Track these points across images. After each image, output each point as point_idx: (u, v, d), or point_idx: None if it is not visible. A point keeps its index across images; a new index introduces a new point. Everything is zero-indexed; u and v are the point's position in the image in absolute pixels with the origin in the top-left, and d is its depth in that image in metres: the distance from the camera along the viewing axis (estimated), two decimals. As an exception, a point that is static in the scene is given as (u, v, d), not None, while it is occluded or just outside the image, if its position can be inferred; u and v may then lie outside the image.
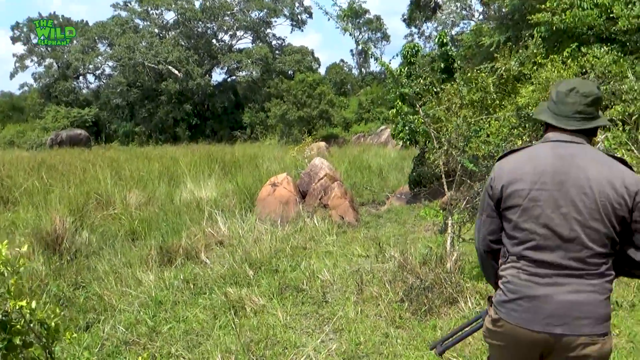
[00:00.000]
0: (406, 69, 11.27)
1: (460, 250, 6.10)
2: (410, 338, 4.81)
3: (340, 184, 11.53)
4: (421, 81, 11.36)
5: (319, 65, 51.61)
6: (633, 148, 6.49)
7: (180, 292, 6.45)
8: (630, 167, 2.34)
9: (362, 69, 57.10)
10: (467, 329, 2.85)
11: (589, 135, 2.44)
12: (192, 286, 6.66)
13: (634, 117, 5.88)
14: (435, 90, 11.02)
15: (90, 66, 49.79)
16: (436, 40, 11.63)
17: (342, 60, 74.82)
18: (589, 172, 2.28)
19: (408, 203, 12.96)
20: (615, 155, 2.44)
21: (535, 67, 9.15)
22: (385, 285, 5.83)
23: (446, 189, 6.13)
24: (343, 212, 10.75)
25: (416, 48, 11.40)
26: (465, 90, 9.35)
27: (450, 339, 2.92)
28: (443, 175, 6.10)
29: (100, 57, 48.72)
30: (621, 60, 7.97)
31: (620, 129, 7.19)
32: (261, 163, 18.89)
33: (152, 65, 44.67)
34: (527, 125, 8.49)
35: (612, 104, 7.90)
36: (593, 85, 2.48)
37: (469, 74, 9.63)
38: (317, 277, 6.70)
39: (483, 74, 9.44)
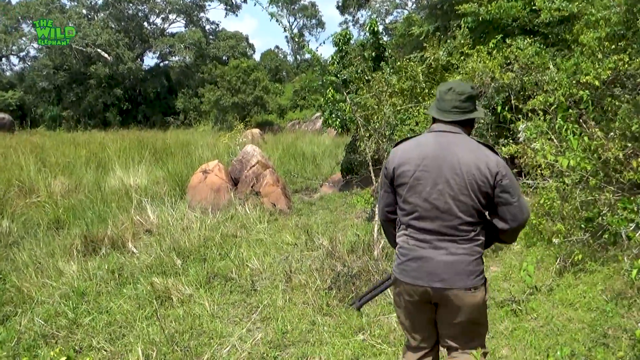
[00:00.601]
0: (338, 56, 11.26)
1: (387, 237, 6.19)
2: (337, 325, 4.86)
3: (273, 171, 11.49)
4: (352, 69, 11.50)
5: (254, 51, 51.13)
6: (553, 137, 6.73)
7: (105, 283, 6.31)
8: (496, 152, 2.84)
9: (297, 56, 56.90)
10: (379, 287, 3.34)
11: (465, 125, 2.93)
12: (117, 276, 6.52)
13: (553, 107, 6.08)
14: (366, 78, 11.14)
15: (14, 47, 47.62)
16: (367, 28, 11.69)
17: (277, 47, 74.38)
18: (460, 157, 2.77)
19: (340, 190, 13.04)
20: (485, 143, 2.93)
21: (462, 57, 9.34)
22: (313, 273, 5.85)
23: (373, 177, 6.19)
24: (275, 199, 10.73)
25: (348, 36, 11.41)
26: (395, 78, 9.49)
27: (365, 297, 3.43)
28: (370, 164, 6.15)
29: (24, 39, 46.63)
30: (543, 52, 8.23)
31: (542, 118, 7.44)
32: (194, 150, 18.59)
33: (80, 48, 43.07)
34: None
35: (535, 94, 8.16)
36: (467, 85, 2.98)
37: (398, 63, 9.76)
38: (247, 265, 6.68)
39: (412, 63, 9.58)
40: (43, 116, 44.48)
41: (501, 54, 8.62)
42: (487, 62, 8.40)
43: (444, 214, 2.78)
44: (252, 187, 11.27)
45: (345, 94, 6.67)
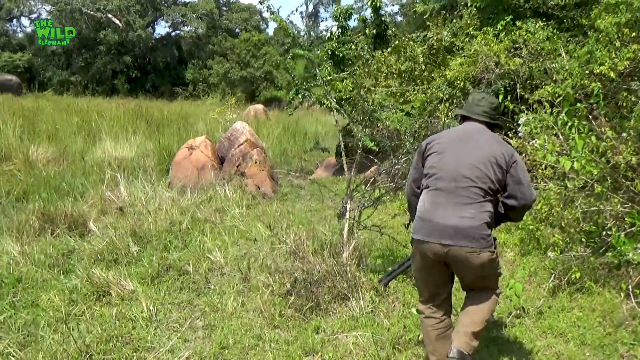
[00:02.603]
0: (337, 32, 10.49)
1: (359, 238, 5.47)
2: (286, 343, 4.16)
3: (261, 151, 10.77)
4: (351, 46, 10.71)
5: (267, 25, 50.10)
6: (559, 133, 5.96)
7: (46, 270, 5.65)
8: (511, 145, 3.43)
9: (311, 32, 55.76)
10: (405, 263, 4.24)
11: (491, 128, 3.53)
12: (62, 263, 5.86)
13: (559, 99, 5.30)
14: (366, 57, 10.35)
15: (25, 9, 46.93)
16: (369, 3, 10.86)
17: (291, 23, 72.93)
18: (484, 139, 3.36)
19: (334, 175, 12.33)
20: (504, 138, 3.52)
21: (467, 39, 8.54)
22: (273, 274, 5.16)
23: (345, 167, 5.47)
24: (260, 181, 10.04)
25: (350, 11, 10.61)
26: (393, 59, 8.71)
27: (393, 273, 4.49)
28: (343, 152, 5.44)
29: (33, 0, 45.91)
30: (556, 37, 7.41)
31: (548, 111, 6.67)
32: (193, 123, 17.93)
33: (91, 13, 42.36)
34: (454, 101, 7.91)
35: (543, 83, 7.37)
36: (496, 99, 3.73)
37: (397, 42, 8.98)
38: (207, 257, 6.01)
39: (412, 42, 8.79)
40: (51, 80, 43.87)
41: (509, 37, 7.82)
42: (492, 45, 7.60)
43: (461, 177, 3.23)
44: (237, 166, 10.58)
45: (319, 71, 5.91)
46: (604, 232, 4.57)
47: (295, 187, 11.02)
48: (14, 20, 49.27)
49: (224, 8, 48.66)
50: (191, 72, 43.03)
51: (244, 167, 10.46)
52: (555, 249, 4.99)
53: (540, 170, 6.24)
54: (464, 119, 3.61)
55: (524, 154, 5.89)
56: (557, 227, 5.48)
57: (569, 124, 4.36)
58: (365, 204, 5.38)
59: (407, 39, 9.09)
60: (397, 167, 5.35)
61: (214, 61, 37.89)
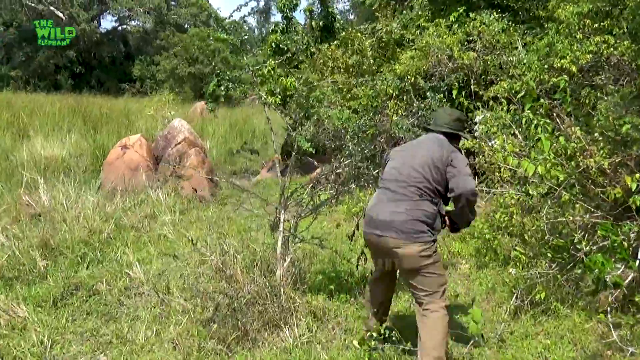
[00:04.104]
0: (282, 24, 9.80)
1: (296, 253, 4.80)
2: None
3: (199, 150, 10.00)
4: (297, 38, 10.03)
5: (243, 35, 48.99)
6: (517, 132, 5.42)
7: None
8: (459, 150, 3.70)
9: (263, 29, 54.89)
10: None
11: (453, 138, 3.76)
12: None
13: (519, 96, 4.73)
14: (311, 50, 9.69)
15: (-40, -1, 44.71)
16: (315, -7, 10.21)
17: (243, 20, 71.91)
18: (431, 144, 3.65)
19: (281, 174, 11.62)
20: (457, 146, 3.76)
21: (418, 32, 7.97)
22: (196, 296, 4.44)
23: (280, 167, 4.80)
24: (197, 184, 9.26)
25: (295, 2, 9.93)
26: (340, 52, 8.09)
27: None
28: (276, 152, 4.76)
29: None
30: (511, 29, 6.88)
31: (505, 108, 6.14)
32: (135, 120, 16.95)
33: (32, 5, 40.55)
34: (404, 97, 7.32)
35: (498, 79, 6.85)
36: (459, 111, 4.05)
37: (343, 34, 8.35)
38: (125, 273, 5.25)
39: (359, 35, 8.17)
40: (-9, 75, 41.91)
41: (463, 29, 7.28)
42: (445, 37, 7.04)
43: (401, 178, 3.55)
44: (174, 167, 9.78)
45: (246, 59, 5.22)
46: (571, 246, 4.00)
47: (237, 190, 10.27)
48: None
49: (172, 3, 47.36)
50: (138, 68, 41.64)
51: (180, 168, 9.67)
52: (517, 264, 4.41)
53: (497, 173, 5.70)
54: (428, 131, 3.90)
55: (480, 156, 5.34)
56: (518, 239, 4.93)
57: (534, 122, 3.79)
58: (303, 214, 4.70)
59: (354, 31, 8.46)
60: (338, 171, 4.70)
61: (162, 57, 36.63)
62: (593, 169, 3.89)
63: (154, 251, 6.06)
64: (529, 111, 3.96)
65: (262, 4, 53.81)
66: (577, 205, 4.10)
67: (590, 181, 4.07)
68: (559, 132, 4.33)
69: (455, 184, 3.43)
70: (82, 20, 41.08)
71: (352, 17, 19.42)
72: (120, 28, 47.16)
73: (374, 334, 3.60)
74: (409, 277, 3.51)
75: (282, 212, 4.51)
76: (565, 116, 4.82)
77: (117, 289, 4.96)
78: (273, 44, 9.66)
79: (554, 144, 3.99)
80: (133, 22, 45.91)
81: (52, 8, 40.97)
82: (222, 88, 4.37)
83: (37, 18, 40.96)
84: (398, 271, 3.76)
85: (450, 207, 3.67)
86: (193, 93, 33.62)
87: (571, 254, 3.99)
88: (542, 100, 4.34)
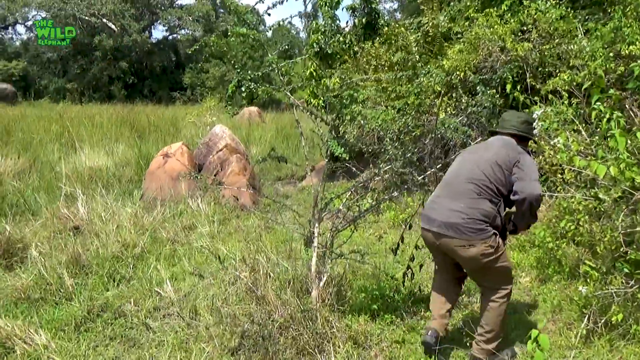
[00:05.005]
0: (324, 24, 9.36)
1: (333, 271, 4.34)
2: None
3: (241, 157, 9.65)
4: (340, 38, 9.60)
5: (265, 26, 49.04)
6: (581, 128, 4.83)
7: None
8: (528, 152, 3.68)
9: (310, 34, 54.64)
10: None
11: (521, 140, 3.72)
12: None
13: (585, 86, 4.14)
14: (354, 49, 9.26)
15: (20, 16, 46.07)
16: (357, -11, 9.73)
17: (290, 23, 71.76)
18: (499, 144, 3.63)
19: (326, 181, 11.21)
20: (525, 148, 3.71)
21: (467, 24, 7.40)
22: (224, 319, 4.03)
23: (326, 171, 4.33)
24: (238, 191, 8.91)
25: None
26: (383, 49, 7.61)
27: None
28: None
29: (27, 7, 45.02)
30: (570, 15, 6.25)
31: (566, 102, 5.53)
32: (182, 128, 16.86)
33: (86, 18, 41.41)
34: (453, 95, 6.78)
35: (558, 70, 6.23)
36: (525, 114, 3.94)
37: (386, 29, 7.86)
38: (156, 292, 4.91)
39: (404, 30, 7.65)
40: (47, 88, 43.00)
41: (516, 18, 6.68)
42: (497, 27, 6.47)
43: (463, 174, 3.56)
44: (215, 175, 9.48)
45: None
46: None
47: (281, 196, 9.90)
48: (9, 28, 48.48)
49: (221, 10, 47.66)
50: (189, 76, 42.12)
51: (221, 175, 9.36)
52: (588, 281, 3.84)
53: (559, 175, 5.11)
54: (494, 134, 3.85)
55: (540, 156, 4.77)
56: (587, 250, 4.35)
57: (607, 116, 3.23)
58: (340, 226, 4.24)
59: (398, 26, 7.96)
60: (377, 178, 4.22)
61: (210, 64, 36.83)
62: (678, 169, 3.30)
63: (188, 266, 5.71)
64: (599, 104, 3.39)
65: (309, 7, 53.69)
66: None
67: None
68: (635, 127, 3.74)
69: (520, 187, 3.37)
70: (134, 31, 41.80)
71: (399, 15, 18.84)
72: (170, 37, 47.78)
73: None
74: (475, 275, 3.63)
75: (316, 225, 4.05)
76: (638, 109, 4.22)
77: (145, 310, 4.60)
78: (315, 44, 9.23)
79: (630, 141, 3.41)
80: (183, 30, 46.43)
81: (104, 20, 41.81)
82: (243, 89, 3.94)
83: (91, 31, 42.00)
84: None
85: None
86: (242, 100, 33.70)
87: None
88: (611, 91, 3.75)
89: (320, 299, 3.86)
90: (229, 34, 3.95)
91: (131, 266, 5.71)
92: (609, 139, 3.22)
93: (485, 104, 4.01)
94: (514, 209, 3.56)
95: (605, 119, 3.26)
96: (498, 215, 3.45)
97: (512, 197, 3.42)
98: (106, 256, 5.87)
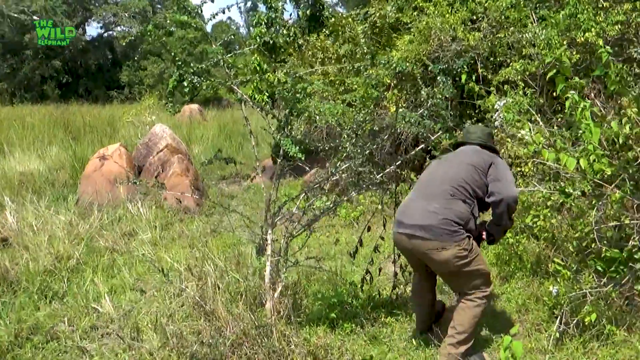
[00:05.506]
0: (266, 15, 9.01)
1: (288, 279, 4.01)
2: None
3: (183, 157, 9.19)
4: (284, 31, 9.24)
5: (204, 22, 48.22)
6: (538, 118, 4.66)
7: None
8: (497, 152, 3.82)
9: (251, 29, 54.07)
10: None
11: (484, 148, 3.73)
12: None
13: (549, 75, 3.93)
14: (298, 42, 8.92)
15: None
16: (300, -21, 9.42)
17: (229, 19, 70.76)
18: (469, 151, 3.66)
19: (271, 179, 10.82)
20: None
21: (416, 14, 7.19)
22: (170, 339, 3.65)
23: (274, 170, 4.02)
24: (181, 194, 8.47)
25: (279, -11, 9.12)
26: (330, 42, 7.32)
27: None
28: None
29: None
30: (522, 3, 6.10)
31: (521, 92, 5.37)
32: (120, 128, 16.17)
33: (15, 15, 39.68)
34: (403, 87, 6.55)
35: (510, 60, 6.08)
36: (487, 128, 4.01)
37: (332, 20, 7.58)
38: (93, 309, 4.48)
39: (351, 20, 7.39)
40: (-24, 89, 41.07)
41: (466, 7, 6.49)
42: (447, 16, 6.27)
43: (436, 177, 3.53)
44: (156, 177, 9.00)
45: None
46: (628, 257, 3.22)
47: (226, 197, 9.51)
48: None
49: (158, 6, 46.55)
50: (126, 74, 40.95)
51: (163, 177, 8.90)
52: (558, 280, 3.63)
53: (518, 169, 4.94)
54: (459, 145, 3.86)
55: (503, 149, 4.57)
56: (549, 246, 4.17)
57: (581, 106, 3.01)
58: (295, 232, 3.91)
59: (345, 17, 7.69)
60: (335, 177, 3.92)
61: (149, 61, 35.86)
62: (653, 161, 3.11)
63: (129, 277, 5.28)
64: (573, 92, 3.16)
65: (249, 3, 53.03)
66: (633, 206, 3.32)
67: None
68: (599, 117, 3.55)
69: (497, 188, 3.36)
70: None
71: (341, 10, 18.61)
72: (105, 34, 46.40)
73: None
74: (449, 280, 3.56)
75: (269, 231, 3.71)
76: (598, 97, 4.05)
77: (81, 330, 4.17)
78: (257, 37, 8.85)
79: (604, 131, 3.21)
80: (119, 27, 45.14)
81: (35, 17, 40.12)
82: (185, 84, 3.56)
83: (21, 29, 40.28)
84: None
85: (486, 217, 3.65)
86: (183, 97, 32.93)
87: (630, 267, 3.21)
88: (576, 79, 3.55)
89: (275, 311, 3.52)
90: (168, 22, 3.53)
91: (65, 280, 5.24)
92: (585, 131, 3.00)
93: (447, 95, 3.76)
94: (488, 217, 3.59)
95: (580, 109, 3.04)
96: (472, 218, 3.39)
97: (488, 199, 3.40)
98: (37, 270, 5.37)
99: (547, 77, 3.65)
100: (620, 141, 3.22)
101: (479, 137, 3.72)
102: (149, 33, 3.57)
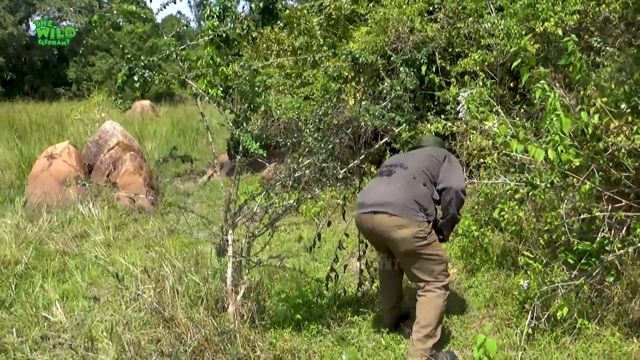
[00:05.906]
0: (217, 8, 8.78)
1: (252, 280, 3.85)
2: None
3: (135, 155, 8.89)
4: (237, 23, 9.03)
5: (153, 14, 47.38)
6: (499, 109, 4.62)
7: None
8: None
9: (201, 23, 53.28)
10: None
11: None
12: None
13: (514, 65, 3.85)
14: (252, 35, 8.75)
15: None
16: (253, -31, 9.20)
17: (179, 12, 69.71)
18: (425, 149, 3.83)
19: (228, 175, 10.61)
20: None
21: (372, 5, 7.10)
22: (127, 349, 3.45)
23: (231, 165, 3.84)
24: (135, 193, 8.19)
25: (229, -19, 8.90)
26: (285, 34, 7.17)
27: None
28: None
29: None
30: (479, -8, 6.06)
31: (481, 83, 5.33)
32: (69, 125, 15.66)
33: (-48, 10, 38.26)
34: (362, 79, 6.45)
35: (468, 51, 6.04)
36: (439, 138, 4.29)
37: (287, 12, 7.42)
38: (43, 317, 4.24)
39: (305, 12, 7.26)
40: None
41: (423, -3, 6.43)
42: (404, 6, 6.19)
43: (396, 165, 3.63)
44: (107, 176, 8.70)
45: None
46: (599, 248, 3.18)
47: (181, 195, 9.27)
48: None
49: (105, 0, 45.45)
50: (73, 70, 39.80)
51: (115, 176, 8.60)
52: (529, 273, 3.57)
53: (478, 160, 4.90)
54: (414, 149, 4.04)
55: (466, 141, 4.51)
56: (514, 238, 4.13)
57: (551, 97, 2.95)
58: (256, 232, 3.75)
59: (299, 9, 7.54)
60: (297, 174, 3.77)
61: (97, 57, 34.95)
62: (623, 150, 3.07)
63: (81, 282, 5.04)
64: (544, 82, 3.09)
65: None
66: (603, 197, 3.28)
67: (612, 165, 3.26)
68: (563, 107, 3.50)
69: (446, 177, 3.51)
70: (9, 24, 39.03)
71: (292, 2, 18.41)
72: (50, 30, 45.03)
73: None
74: (408, 263, 3.48)
75: (230, 232, 3.54)
76: (561, 87, 4.02)
77: (31, 341, 3.93)
78: (210, 31, 8.61)
79: (574, 122, 3.15)
80: (64, 22, 43.86)
81: (-24, 13, 38.80)
82: (135, 78, 3.35)
83: (-41, 24, 38.78)
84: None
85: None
86: (134, 92, 32.23)
87: (601, 259, 3.17)
88: (541, 68, 3.49)
89: (238, 315, 3.37)
90: (114, 12, 3.33)
91: (13, 287, 4.97)
92: (554, 121, 2.93)
93: (410, 86, 3.65)
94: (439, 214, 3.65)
95: (550, 100, 2.97)
96: (432, 202, 3.48)
97: (438, 187, 3.52)
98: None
99: (512, 67, 3.58)
100: (590, 131, 3.18)
101: (431, 144, 3.93)
102: (94, 24, 3.34)
